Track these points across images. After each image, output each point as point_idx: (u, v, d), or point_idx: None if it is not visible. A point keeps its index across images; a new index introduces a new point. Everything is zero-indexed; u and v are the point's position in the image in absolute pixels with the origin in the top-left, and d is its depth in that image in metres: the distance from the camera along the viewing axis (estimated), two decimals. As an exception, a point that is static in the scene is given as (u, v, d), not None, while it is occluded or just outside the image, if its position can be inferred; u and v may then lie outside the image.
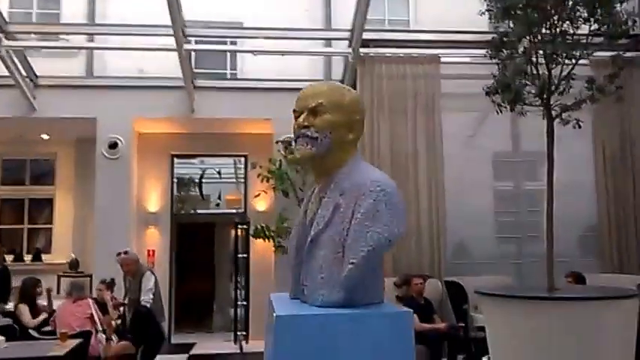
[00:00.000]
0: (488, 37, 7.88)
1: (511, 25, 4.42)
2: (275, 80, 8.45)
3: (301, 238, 2.03)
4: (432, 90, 7.63)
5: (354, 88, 7.75)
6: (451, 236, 7.77)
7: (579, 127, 4.28)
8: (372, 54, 7.66)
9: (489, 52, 4.56)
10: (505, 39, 4.48)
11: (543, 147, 7.89)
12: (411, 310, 1.77)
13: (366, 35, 7.47)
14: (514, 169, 8.37)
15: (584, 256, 7.91)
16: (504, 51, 4.47)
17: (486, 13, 4.55)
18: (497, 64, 4.46)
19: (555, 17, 4.19)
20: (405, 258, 7.32)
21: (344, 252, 1.80)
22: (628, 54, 4.57)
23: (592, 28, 4.17)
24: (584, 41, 4.21)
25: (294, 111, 2.01)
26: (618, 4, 4.10)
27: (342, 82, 8.45)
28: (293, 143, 2.04)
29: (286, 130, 7.99)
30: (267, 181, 7.49)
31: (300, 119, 1.96)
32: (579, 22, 4.22)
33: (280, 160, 7.41)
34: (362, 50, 7.59)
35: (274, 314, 1.73)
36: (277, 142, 7.58)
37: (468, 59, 7.99)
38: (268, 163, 7.50)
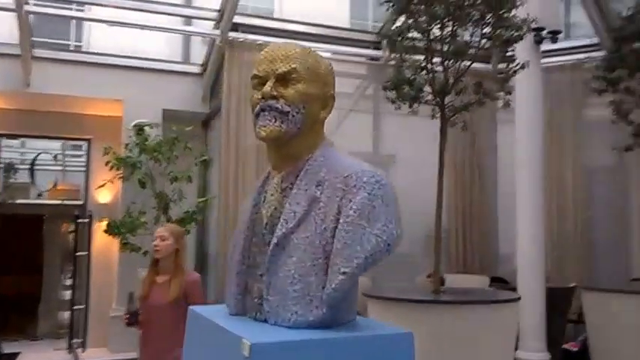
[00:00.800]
0: (355, 34, 8.13)
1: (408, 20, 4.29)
2: (129, 57, 7.61)
3: (249, 238, 1.62)
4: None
5: (220, 75, 7.37)
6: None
7: (466, 129, 4.29)
8: (241, 39, 7.18)
9: (387, 45, 4.38)
10: (400, 35, 4.34)
11: (401, 148, 8.26)
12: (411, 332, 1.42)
13: (235, 19, 7.00)
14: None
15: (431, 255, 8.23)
16: (402, 45, 4.32)
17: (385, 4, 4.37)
18: (394, 59, 4.30)
19: (451, 17, 4.13)
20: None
21: (328, 258, 1.41)
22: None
23: (486, 31, 4.19)
24: (477, 44, 4.22)
25: (256, 76, 1.57)
26: (511, 10, 4.15)
27: (204, 66, 7.89)
28: (254, 117, 1.58)
29: (139, 114, 7.37)
30: (118, 169, 6.66)
31: (267, 87, 1.52)
32: (469, 25, 4.23)
33: (138, 146, 6.60)
34: (231, 34, 7.09)
35: (245, 342, 1.27)
36: (135, 127, 6.78)
37: (340, 56, 7.89)
38: (123, 149, 6.66)
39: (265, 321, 1.49)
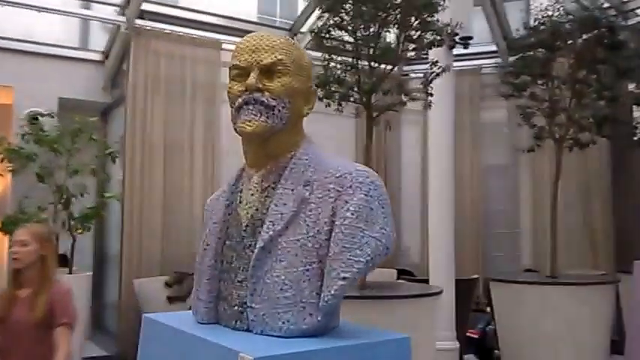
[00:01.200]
0: (266, 29, 8.01)
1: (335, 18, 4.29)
2: (20, 41, 6.99)
3: (222, 241, 1.54)
4: (213, 78, 7.17)
5: (124, 64, 6.97)
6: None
7: (390, 129, 4.40)
8: (148, 27, 6.84)
9: (312, 41, 4.36)
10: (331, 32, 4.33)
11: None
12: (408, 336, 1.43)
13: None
14: None
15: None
16: (331, 42, 4.31)
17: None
18: (322, 57, 4.29)
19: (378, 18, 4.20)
20: (175, 255, 6.71)
21: (322, 263, 1.36)
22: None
23: (410, 34, 4.30)
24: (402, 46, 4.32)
25: (236, 67, 1.49)
26: (433, 14, 4.28)
27: (105, 54, 7.43)
28: (234, 111, 1.51)
29: (32, 102, 6.79)
30: (10, 161, 6.10)
31: (252, 79, 1.44)
32: (394, 27, 4.33)
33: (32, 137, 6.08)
34: (137, 22, 6.73)
35: (245, 356, 1.21)
36: (28, 116, 6.23)
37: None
38: (20, 139, 6.11)
39: (248, 330, 1.41)
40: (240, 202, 1.53)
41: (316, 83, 4.27)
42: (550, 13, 4.98)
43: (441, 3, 4.25)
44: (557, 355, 4.77)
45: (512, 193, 8.12)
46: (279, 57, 1.46)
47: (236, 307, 1.44)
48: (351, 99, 4.10)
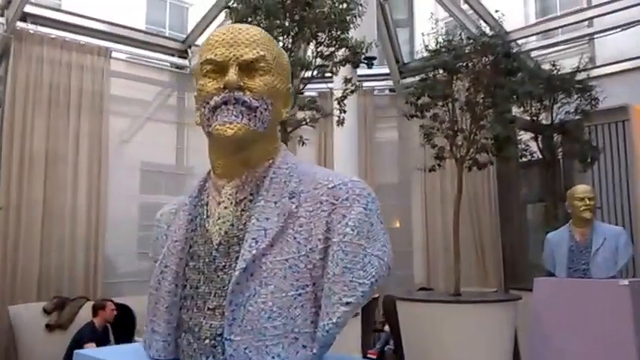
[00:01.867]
0: (154, 38, 7.61)
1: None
2: None
3: (183, 262, 1.31)
4: (100, 87, 6.66)
5: (2, 69, 6.26)
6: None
7: (303, 144, 4.31)
8: (31, 30, 6.22)
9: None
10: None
11: (204, 162, 7.87)
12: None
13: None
14: (172, 182, 7.87)
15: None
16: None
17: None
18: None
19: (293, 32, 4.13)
20: (55, 278, 6.08)
21: (316, 286, 1.18)
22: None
23: (321, 50, 4.27)
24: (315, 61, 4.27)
25: (209, 61, 1.28)
26: (348, 31, 4.28)
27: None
28: (207, 112, 1.28)
29: None
30: None
31: (233, 75, 1.24)
32: (308, 42, 4.28)
33: None
34: (19, 24, 6.10)
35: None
36: None
37: (139, 59, 7.36)
38: None
39: None
40: (207, 216, 1.32)
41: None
42: (451, 37, 5.19)
43: (354, 21, 4.26)
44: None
45: (404, 212, 8.35)
46: (262, 53, 1.28)
47: (207, 341, 1.21)
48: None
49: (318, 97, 6.39)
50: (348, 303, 1.13)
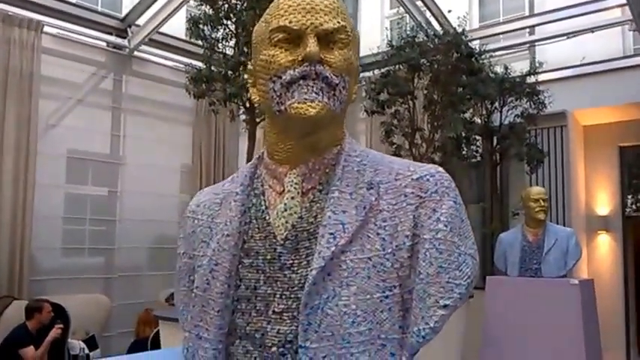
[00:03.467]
0: (89, 14, 7.02)
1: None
2: None
3: (236, 259, 1.13)
4: (30, 66, 6.09)
5: None
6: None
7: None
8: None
9: (190, 30, 3.90)
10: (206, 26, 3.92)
11: (142, 151, 7.41)
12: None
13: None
14: (102, 171, 7.29)
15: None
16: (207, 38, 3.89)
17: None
18: (205, 52, 3.84)
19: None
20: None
21: (403, 287, 1.06)
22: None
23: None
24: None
25: (282, 29, 1.10)
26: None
27: None
28: (278, 87, 1.09)
29: None
30: None
31: (314, 47, 1.07)
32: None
33: None
34: None
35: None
36: None
37: (70, 35, 6.77)
38: None
39: None
40: (266, 207, 1.15)
41: (192, 78, 3.80)
42: (414, 34, 5.17)
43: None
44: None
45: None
46: (342, 23, 1.11)
47: (274, 348, 1.06)
48: (241, 100, 3.72)
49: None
50: (445, 306, 1.03)
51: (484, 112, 6.12)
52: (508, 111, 6.18)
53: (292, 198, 1.12)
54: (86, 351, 5.58)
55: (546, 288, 4.61)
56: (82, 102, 6.89)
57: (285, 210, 1.11)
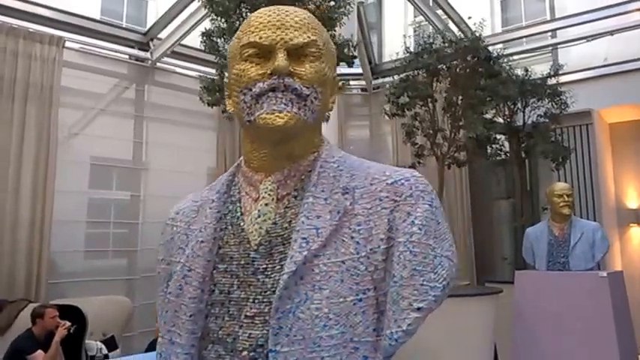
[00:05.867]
0: (108, 28, 7.17)
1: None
2: None
3: (210, 264, 1.15)
4: (51, 79, 6.22)
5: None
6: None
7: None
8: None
9: (204, 43, 3.99)
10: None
11: (165, 158, 7.52)
12: None
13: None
14: (125, 177, 7.37)
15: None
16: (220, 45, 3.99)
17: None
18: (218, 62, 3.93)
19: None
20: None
21: (378, 290, 1.07)
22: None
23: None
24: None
25: (253, 44, 1.15)
26: (334, 28, 4.22)
27: None
28: (249, 99, 1.14)
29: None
30: None
31: (283, 61, 1.12)
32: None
33: None
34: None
35: None
36: None
37: (94, 50, 6.95)
38: None
39: None
40: (241, 214, 1.18)
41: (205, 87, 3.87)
42: (431, 41, 5.24)
43: (342, 19, 4.21)
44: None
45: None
46: (312, 37, 1.15)
47: (245, 352, 1.07)
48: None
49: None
50: (419, 308, 1.02)
51: (507, 113, 6.15)
52: (531, 111, 6.21)
53: (266, 204, 1.14)
54: (104, 351, 5.54)
55: (575, 281, 4.59)
56: (104, 111, 7.03)
57: (259, 216, 1.14)
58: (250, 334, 1.06)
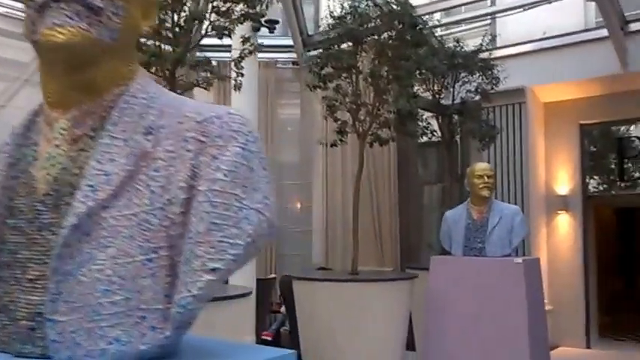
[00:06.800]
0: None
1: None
2: None
3: None
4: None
5: None
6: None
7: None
8: None
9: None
10: None
11: None
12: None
13: None
14: None
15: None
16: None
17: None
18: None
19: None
20: None
21: (175, 248, 0.88)
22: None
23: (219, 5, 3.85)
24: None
25: None
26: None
27: None
28: (32, 12, 0.94)
29: None
30: None
31: None
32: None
33: None
34: None
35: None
36: None
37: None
38: None
39: (45, 358, 0.87)
40: (34, 159, 0.99)
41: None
42: (357, 4, 4.94)
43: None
44: (356, 352, 4.72)
45: (305, 191, 8.12)
46: None
47: (24, 322, 0.91)
48: (152, 70, 3.49)
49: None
50: (214, 269, 0.85)
51: (435, 89, 5.91)
52: (461, 86, 5.98)
53: (57, 146, 0.96)
54: None
55: (490, 267, 4.46)
56: (29, 82, 6.59)
57: (48, 160, 0.95)
58: (30, 300, 0.90)
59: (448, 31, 7.21)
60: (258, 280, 5.16)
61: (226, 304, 3.46)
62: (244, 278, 4.71)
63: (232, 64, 3.88)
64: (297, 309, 4.87)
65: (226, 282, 4.82)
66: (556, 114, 7.24)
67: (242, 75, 3.87)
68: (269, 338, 6.30)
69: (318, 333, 4.76)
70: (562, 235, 7.42)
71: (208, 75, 3.90)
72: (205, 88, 3.73)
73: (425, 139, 5.96)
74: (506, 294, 4.31)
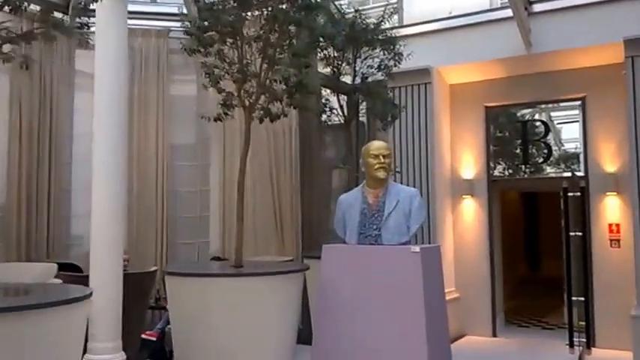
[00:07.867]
0: None
1: None
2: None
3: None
4: None
5: None
6: None
7: (26, 67, 3.19)
8: None
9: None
10: None
11: None
12: None
13: None
14: None
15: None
16: None
17: None
18: None
19: None
20: None
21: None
22: None
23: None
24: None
25: None
26: None
27: None
28: None
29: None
30: None
31: None
32: None
33: None
34: None
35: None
36: None
37: None
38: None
39: None
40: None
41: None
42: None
43: None
44: (240, 351, 4.20)
45: (202, 174, 7.47)
46: None
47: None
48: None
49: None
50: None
51: (334, 64, 5.44)
52: (362, 61, 5.54)
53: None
54: None
55: (385, 256, 4.04)
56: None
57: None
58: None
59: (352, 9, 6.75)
60: (129, 274, 4.52)
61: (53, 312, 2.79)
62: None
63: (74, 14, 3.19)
64: (169, 307, 4.26)
65: (87, 277, 4.17)
66: (461, 96, 6.98)
67: (88, 27, 3.20)
68: (153, 339, 5.66)
69: (197, 333, 4.19)
70: (468, 221, 7.22)
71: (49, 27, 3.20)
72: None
73: (324, 117, 5.48)
74: (403, 285, 3.92)
